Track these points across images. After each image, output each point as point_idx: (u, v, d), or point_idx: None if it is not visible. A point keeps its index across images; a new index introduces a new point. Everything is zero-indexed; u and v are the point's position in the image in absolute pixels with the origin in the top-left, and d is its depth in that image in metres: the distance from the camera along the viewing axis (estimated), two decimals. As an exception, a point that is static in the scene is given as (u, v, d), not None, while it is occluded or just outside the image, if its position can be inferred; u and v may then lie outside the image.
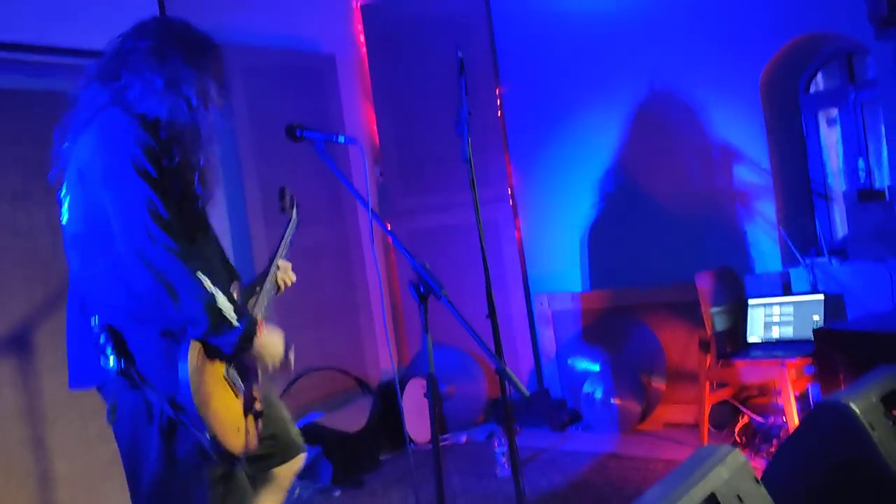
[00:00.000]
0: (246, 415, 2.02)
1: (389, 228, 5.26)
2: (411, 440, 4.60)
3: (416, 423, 4.64)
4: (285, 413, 2.32)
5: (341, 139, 2.17)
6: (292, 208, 2.47)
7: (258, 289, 2.25)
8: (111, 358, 1.86)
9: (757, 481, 1.81)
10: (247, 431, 2.00)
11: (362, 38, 5.19)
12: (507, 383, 2.81)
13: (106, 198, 1.89)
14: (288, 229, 2.42)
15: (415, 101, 5.12)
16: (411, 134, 5.13)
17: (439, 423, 4.81)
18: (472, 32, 5.10)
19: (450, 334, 4.81)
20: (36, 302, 3.39)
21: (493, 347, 2.93)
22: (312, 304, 4.50)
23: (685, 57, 4.38)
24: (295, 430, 2.32)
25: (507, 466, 3.96)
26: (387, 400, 4.58)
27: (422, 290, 2.03)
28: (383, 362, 5.00)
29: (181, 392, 1.84)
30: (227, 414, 1.94)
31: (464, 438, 4.74)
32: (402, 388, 4.60)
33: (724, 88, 4.26)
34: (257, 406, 2.07)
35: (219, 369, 1.97)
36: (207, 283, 1.86)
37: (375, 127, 5.23)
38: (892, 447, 2.04)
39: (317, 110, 4.81)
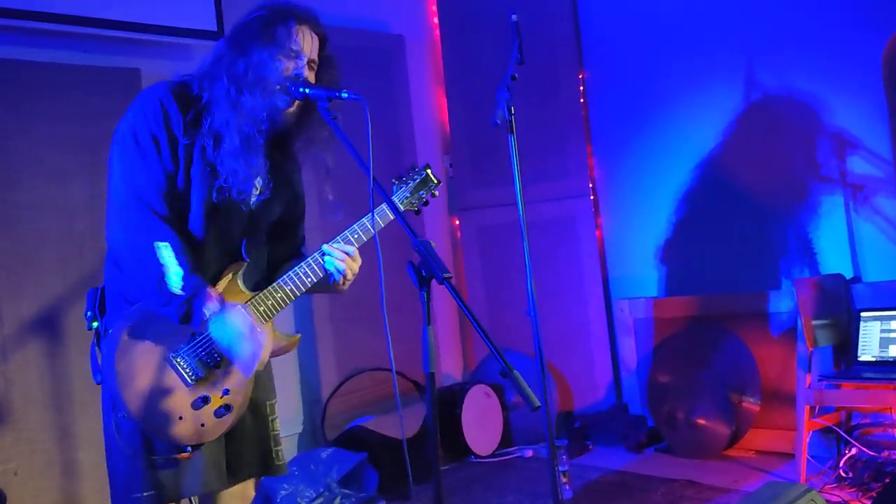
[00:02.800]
0: (196, 406, 1.84)
1: (458, 223, 4.96)
2: (472, 452, 4.25)
3: (478, 433, 4.29)
4: (274, 427, 2.08)
5: (345, 95, 1.85)
6: (401, 188, 2.07)
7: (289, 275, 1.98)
8: (90, 317, 1.93)
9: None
10: (193, 423, 1.84)
11: (436, 20, 4.89)
12: (550, 392, 2.42)
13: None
14: (372, 214, 1.99)
15: (490, 87, 4.75)
16: (485, 122, 4.75)
17: (506, 435, 4.45)
18: (554, 13, 4.70)
19: (520, 340, 4.46)
20: (69, 283, 3.26)
21: (536, 347, 2.54)
22: (370, 300, 4.22)
23: (790, 33, 3.84)
24: (277, 450, 2.08)
25: (567, 488, 3.54)
26: (446, 407, 4.25)
27: (423, 273, 1.69)
28: (445, 366, 4.67)
29: (103, 365, 1.84)
30: (157, 398, 1.82)
31: (529, 453, 4.33)
32: (464, 396, 4.26)
33: (836, 68, 3.69)
34: (219, 400, 1.87)
35: (160, 349, 1.84)
36: (165, 253, 1.76)
37: (446, 114, 4.91)
38: None
39: (382, 93, 4.54)
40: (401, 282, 1.71)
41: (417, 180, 2.08)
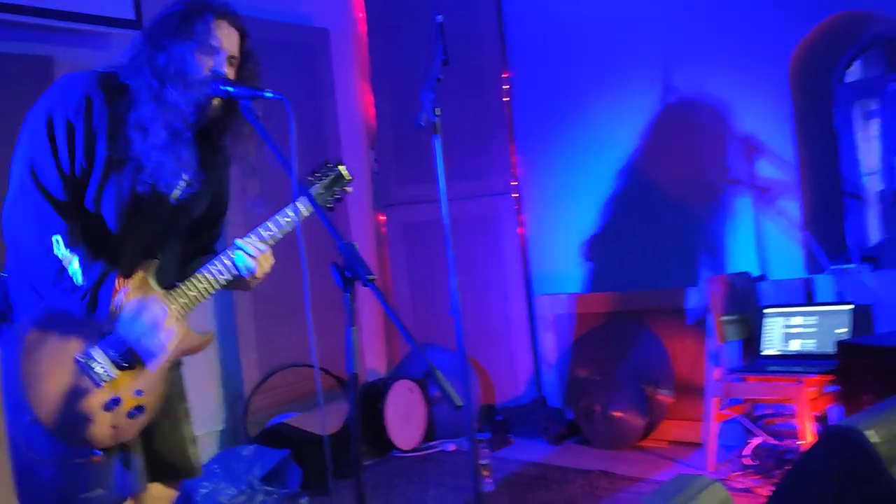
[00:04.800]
0: (108, 408, 1.80)
1: (384, 219, 4.96)
2: (395, 446, 4.28)
3: (401, 427, 4.31)
4: (188, 431, 2.07)
5: (269, 94, 1.84)
6: (314, 184, 2.03)
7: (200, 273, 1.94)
8: None
9: (738, 525, 1.44)
10: (105, 424, 1.80)
11: (361, 14, 4.87)
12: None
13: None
14: (290, 209, 1.96)
15: (416, 83, 4.76)
16: (411, 119, 4.77)
17: (429, 429, 4.50)
18: (479, 10, 4.75)
19: (444, 336, 4.50)
20: None
21: (458, 346, 2.59)
22: (292, 296, 4.19)
23: (705, 39, 4.00)
24: (193, 452, 2.06)
25: (489, 480, 3.61)
26: (369, 402, 4.26)
27: (347, 274, 1.70)
28: (369, 361, 4.68)
29: (6, 365, 1.78)
30: (65, 400, 1.77)
31: (452, 447, 4.38)
32: (387, 390, 4.28)
33: (747, 74, 3.86)
34: (132, 401, 1.84)
35: (68, 349, 1.79)
36: (59, 248, 1.74)
37: (372, 109, 4.91)
38: (916, 488, 1.66)
39: (306, 88, 4.50)
40: (323, 279, 1.72)
41: (331, 176, 2.05)
